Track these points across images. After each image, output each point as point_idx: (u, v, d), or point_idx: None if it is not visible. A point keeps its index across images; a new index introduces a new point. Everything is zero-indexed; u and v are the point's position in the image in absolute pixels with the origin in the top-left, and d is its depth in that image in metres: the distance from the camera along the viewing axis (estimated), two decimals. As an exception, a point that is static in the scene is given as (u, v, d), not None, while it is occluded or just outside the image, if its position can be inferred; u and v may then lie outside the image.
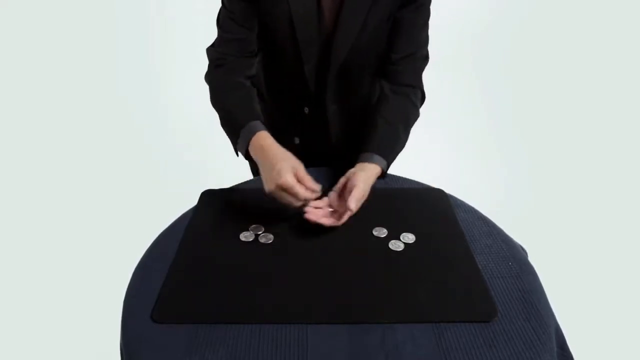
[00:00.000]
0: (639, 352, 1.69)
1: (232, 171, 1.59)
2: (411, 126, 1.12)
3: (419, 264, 0.88)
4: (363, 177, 0.96)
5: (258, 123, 1.02)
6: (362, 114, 1.21)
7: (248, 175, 1.36)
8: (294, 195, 0.91)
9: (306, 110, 1.17)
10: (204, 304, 0.80)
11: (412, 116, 1.13)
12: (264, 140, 0.99)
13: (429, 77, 1.26)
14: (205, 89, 1.12)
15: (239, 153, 1.06)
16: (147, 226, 1.17)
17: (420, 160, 2.44)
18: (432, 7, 1.11)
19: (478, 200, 1.13)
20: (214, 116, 1.10)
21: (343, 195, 0.96)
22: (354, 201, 0.91)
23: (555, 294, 0.99)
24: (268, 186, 0.93)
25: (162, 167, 2.50)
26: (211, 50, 1.13)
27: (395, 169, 1.24)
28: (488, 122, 2.91)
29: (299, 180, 0.92)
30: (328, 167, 1.15)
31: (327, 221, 0.93)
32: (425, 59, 1.15)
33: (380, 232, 0.95)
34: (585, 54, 3.23)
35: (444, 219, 1.01)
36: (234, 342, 0.73)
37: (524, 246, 1.01)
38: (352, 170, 0.99)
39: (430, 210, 1.03)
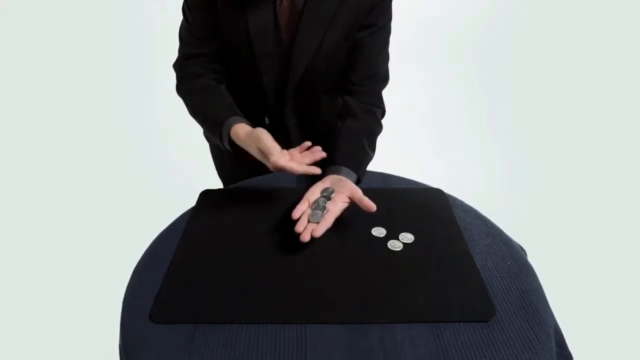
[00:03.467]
0: (639, 352, 1.69)
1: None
2: (376, 142, 1.12)
3: (418, 263, 0.88)
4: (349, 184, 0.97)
5: (238, 118, 1.03)
6: (324, 131, 1.21)
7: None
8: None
9: (267, 120, 1.18)
10: (202, 304, 0.80)
11: (376, 132, 1.13)
12: (244, 127, 1.00)
13: (429, 76, 1.26)
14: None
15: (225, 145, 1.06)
16: (146, 226, 1.18)
17: (419, 160, 2.45)
18: (434, 7, 1.12)
19: (477, 200, 1.13)
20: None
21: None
22: (369, 201, 0.92)
23: (554, 293, 0.99)
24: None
25: (161, 167, 2.50)
26: (175, 66, 1.15)
27: (394, 169, 1.24)
28: (487, 121, 2.91)
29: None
30: None
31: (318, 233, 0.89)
32: (384, 80, 1.15)
33: (379, 232, 0.95)
34: (585, 54, 3.23)
35: (442, 219, 1.01)
36: (233, 342, 0.73)
37: (523, 246, 1.01)
38: (327, 180, 0.98)
39: (429, 210, 1.03)
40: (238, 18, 1.01)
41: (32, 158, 2.58)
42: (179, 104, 1.16)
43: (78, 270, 1.96)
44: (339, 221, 0.93)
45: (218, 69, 1.13)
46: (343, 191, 0.95)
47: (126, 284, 0.86)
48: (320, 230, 0.88)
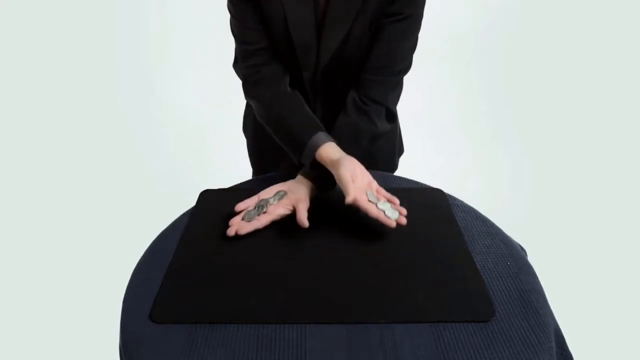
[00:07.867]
0: (639, 352, 1.69)
1: (232, 171, 1.59)
2: (363, 144, 1.06)
3: (418, 263, 0.88)
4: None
5: (321, 135, 0.98)
6: None
7: (247, 175, 1.36)
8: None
9: None
10: (202, 304, 0.80)
11: (361, 130, 1.05)
12: (326, 153, 0.96)
13: (429, 76, 1.25)
14: (206, 88, 1.13)
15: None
16: (146, 226, 1.18)
17: (419, 160, 2.45)
18: (434, 6, 1.08)
19: (477, 200, 1.13)
20: (214, 116, 1.10)
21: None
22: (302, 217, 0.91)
23: (555, 294, 0.99)
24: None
25: (161, 167, 2.50)
26: (240, 68, 1.08)
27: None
28: (488, 121, 2.91)
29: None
30: None
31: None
32: (397, 74, 1.06)
33: (379, 232, 0.95)
34: (586, 54, 3.22)
35: (442, 219, 1.01)
36: (233, 343, 0.73)
37: (523, 246, 1.01)
38: (288, 183, 0.98)
39: (429, 210, 1.03)
40: (277, 9, 0.98)
41: (31, 158, 2.58)
42: (179, 104, 1.16)
43: (78, 270, 1.96)
44: (339, 221, 0.93)
45: (280, 66, 1.07)
46: (290, 199, 0.96)
47: (126, 284, 0.86)
48: (243, 230, 0.91)
